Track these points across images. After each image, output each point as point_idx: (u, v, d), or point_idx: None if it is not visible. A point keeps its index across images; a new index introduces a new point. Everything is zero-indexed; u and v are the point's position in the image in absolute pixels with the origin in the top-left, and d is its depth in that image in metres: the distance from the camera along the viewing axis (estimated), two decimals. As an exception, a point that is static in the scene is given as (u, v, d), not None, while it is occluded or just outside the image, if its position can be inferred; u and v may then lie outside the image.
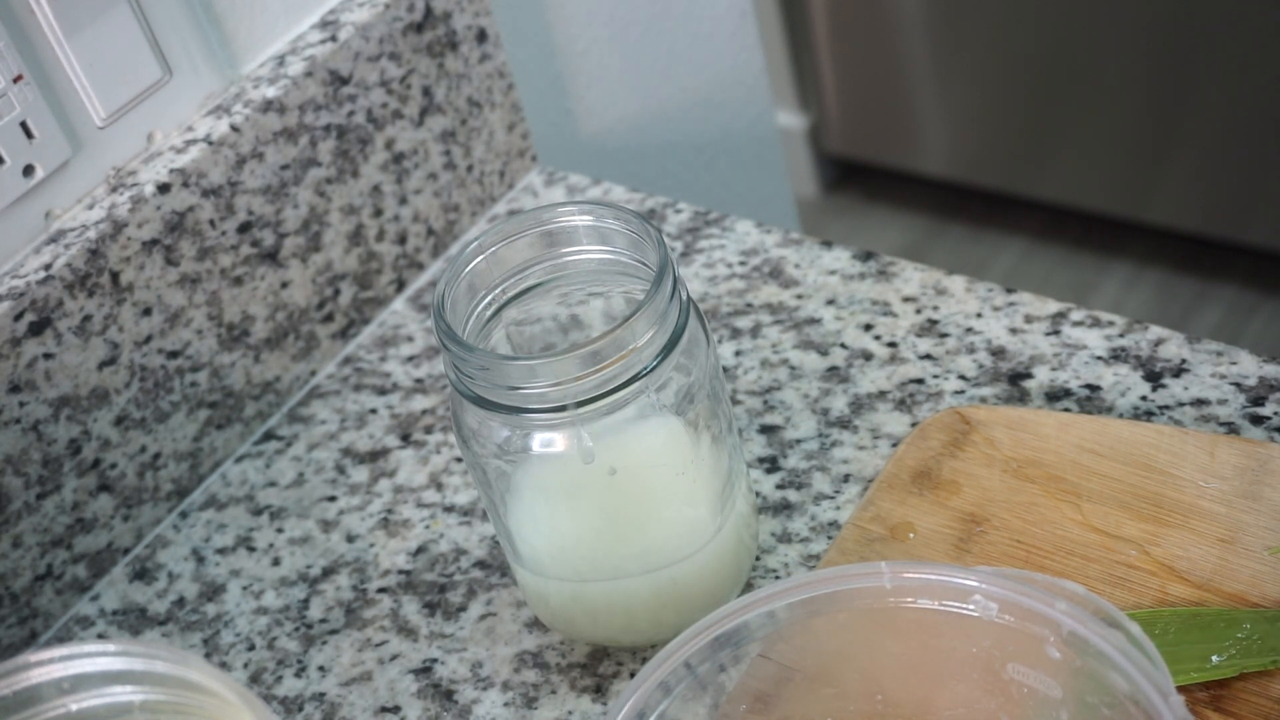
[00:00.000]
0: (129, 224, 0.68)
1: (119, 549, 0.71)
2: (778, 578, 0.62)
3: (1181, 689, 0.53)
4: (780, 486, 0.66)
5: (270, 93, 0.72)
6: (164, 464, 0.72)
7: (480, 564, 0.67)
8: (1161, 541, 0.59)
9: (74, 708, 0.46)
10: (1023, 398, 0.66)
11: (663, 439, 0.56)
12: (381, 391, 0.76)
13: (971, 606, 0.46)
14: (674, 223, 0.80)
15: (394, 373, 0.77)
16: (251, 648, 0.66)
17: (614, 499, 0.57)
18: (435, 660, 0.63)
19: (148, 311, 0.69)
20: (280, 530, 0.71)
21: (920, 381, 0.68)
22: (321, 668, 0.64)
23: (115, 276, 0.68)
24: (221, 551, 0.71)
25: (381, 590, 0.67)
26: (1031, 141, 1.82)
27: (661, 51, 1.03)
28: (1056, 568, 0.59)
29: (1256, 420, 0.63)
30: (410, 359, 0.78)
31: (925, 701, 0.50)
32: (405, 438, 0.73)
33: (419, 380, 0.76)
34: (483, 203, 0.84)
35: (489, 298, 0.57)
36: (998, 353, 0.69)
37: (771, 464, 0.67)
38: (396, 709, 0.62)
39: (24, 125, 0.65)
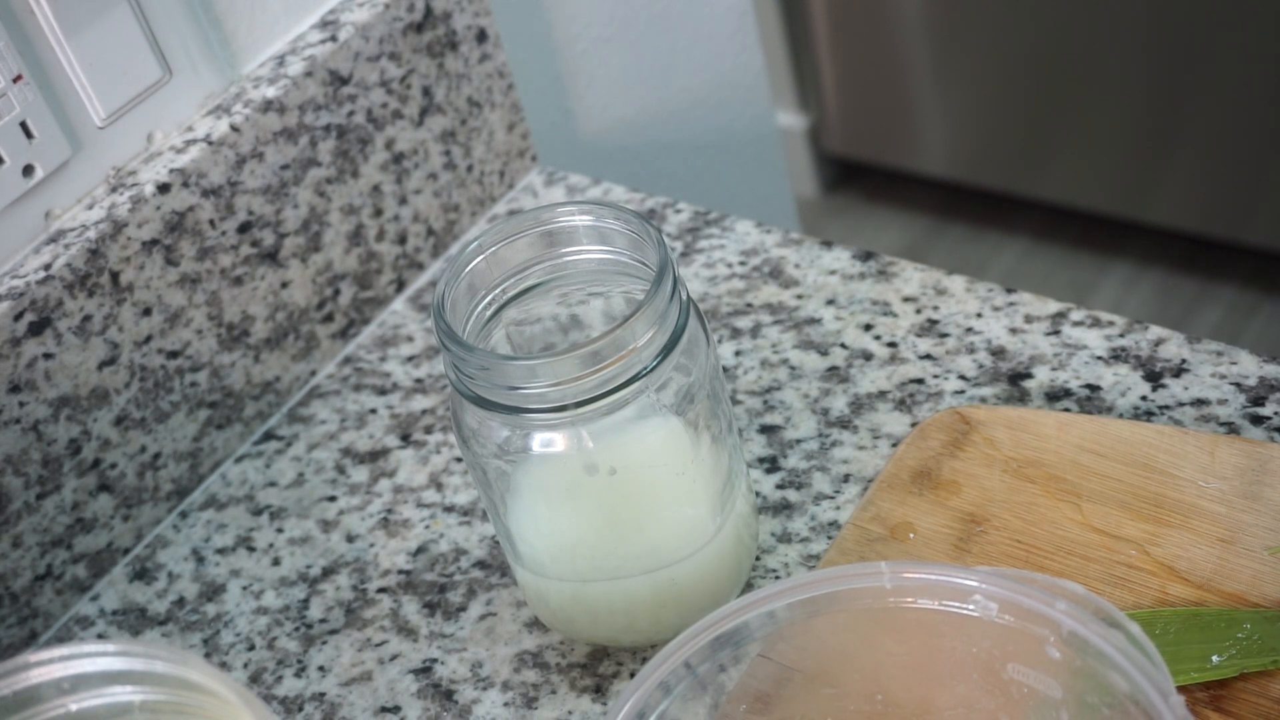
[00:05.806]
0: (129, 224, 0.68)
1: (119, 549, 0.71)
2: (778, 578, 0.62)
3: (1181, 689, 0.53)
4: (780, 486, 0.66)
5: (270, 93, 0.72)
6: (164, 464, 0.72)
7: (480, 564, 0.67)
8: (1161, 541, 0.59)
9: (74, 708, 0.46)
10: (1023, 398, 0.66)
11: (662, 439, 0.56)
12: (381, 391, 0.76)
13: (971, 606, 0.46)
14: (674, 223, 0.80)
15: (394, 373, 0.77)
16: (251, 648, 0.66)
17: (614, 499, 0.57)
18: (435, 660, 0.63)
19: (148, 311, 0.69)
20: (280, 530, 0.71)
21: (920, 381, 0.68)
22: (321, 668, 0.64)
23: (115, 276, 0.68)
24: (221, 551, 0.71)
25: (381, 590, 0.67)
26: (1031, 141, 1.82)
27: (661, 51, 1.03)
28: (1056, 568, 0.59)
29: (1256, 420, 0.63)
30: (410, 359, 0.77)
31: (925, 701, 0.50)
32: (405, 438, 0.73)
33: (419, 380, 0.76)
34: (483, 203, 0.84)
35: (489, 298, 0.57)
36: (998, 353, 0.69)
37: (771, 464, 0.67)
38: (396, 709, 0.62)
39: (24, 125, 0.65)
